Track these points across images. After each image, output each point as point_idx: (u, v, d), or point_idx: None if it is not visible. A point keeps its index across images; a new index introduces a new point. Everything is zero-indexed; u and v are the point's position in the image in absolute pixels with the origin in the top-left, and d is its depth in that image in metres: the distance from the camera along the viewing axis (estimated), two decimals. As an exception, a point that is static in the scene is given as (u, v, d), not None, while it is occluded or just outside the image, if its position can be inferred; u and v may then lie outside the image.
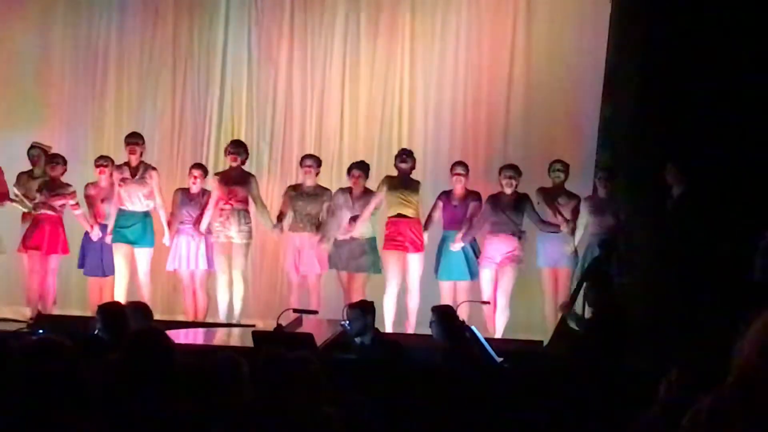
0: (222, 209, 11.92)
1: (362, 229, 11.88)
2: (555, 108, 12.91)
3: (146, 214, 12.07)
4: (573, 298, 10.32)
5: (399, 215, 11.87)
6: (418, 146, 13.15)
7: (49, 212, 11.95)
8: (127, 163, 12.12)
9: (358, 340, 8.78)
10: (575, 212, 11.69)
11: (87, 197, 12.19)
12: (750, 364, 2.54)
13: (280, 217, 12.05)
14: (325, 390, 5.06)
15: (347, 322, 8.97)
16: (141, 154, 12.14)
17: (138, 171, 12.05)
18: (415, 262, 11.83)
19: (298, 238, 12.00)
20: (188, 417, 4.78)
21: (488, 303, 11.39)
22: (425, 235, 11.88)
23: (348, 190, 12.00)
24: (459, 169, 11.86)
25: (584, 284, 10.01)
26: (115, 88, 13.82)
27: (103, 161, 12.15)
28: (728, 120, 11.36)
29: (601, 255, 10.44)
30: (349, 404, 5.49)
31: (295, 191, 12.03)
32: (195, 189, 12.08)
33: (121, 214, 12.01)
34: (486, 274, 11.69)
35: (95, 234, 11.97)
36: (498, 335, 11.39)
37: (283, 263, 12.42)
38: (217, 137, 13.58)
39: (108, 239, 11.99)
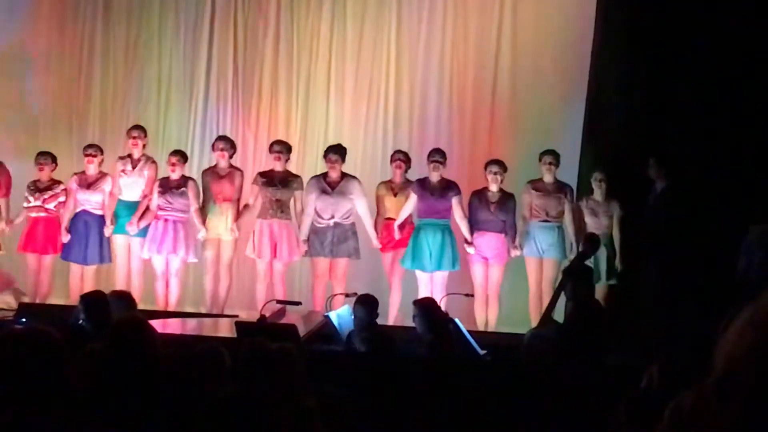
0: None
1: (344, 213, 11.80)
2: (541, 92, 12.85)
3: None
4: (551, 304, 10.30)
5: (390, 218, 11.86)
6: (403, 133, 13.19)
7: (43, 214, 11.93)
8: (129, 155, 12.15)
9: (363, 333, 8.76)
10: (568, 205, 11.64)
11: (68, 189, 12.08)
12: (733, 361, 2.54)
13: (245, 208, 12.02)
14: (306, 382, 5.06)
15: (352, 315, 8.99)
16: (144, 147, 12.18)
17: (139, 162, 12.07)
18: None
19: (267, 224, 11.87)
20: (169, 406, 4.78)
21: (472, 296, 11.35)
22: (396, 228, 11.72)
23: (323, 176, 11.89)
24: (436, 157, 11.72)
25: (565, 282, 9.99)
26: (100, 80, 13.74)
27: (92, 150, 12.09)
28: (715, 111, 11.38)
29: (586, 250, 10.44)
30: (329, 397, 5.50)
31: (264, 177, 11.94)
32: (175, 176, 12.01)
33: (121, 204, 12.03)
34: (477, 269, 11.66)
35: (109, 230, 11.95)
36: (491, 328, 11.40)
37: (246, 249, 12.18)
38: (202, 127, 13.54)
39: (107, 231, 11.94)
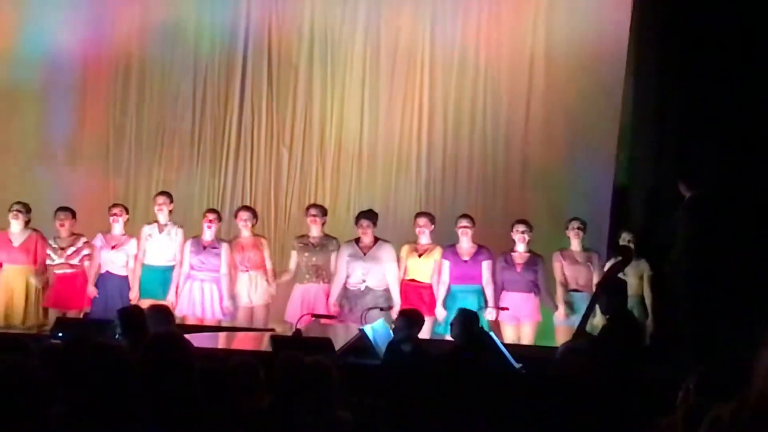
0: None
1: (376, 278, 11.67)
2: (573, 128, 12.81)
3: (169, 269, 11.93)
4: (585, 318, 10.26)
5: (413, 280, 11.74)
6: (437, 150, 13.16)
7: (69, 270, 11.80)
8: (156, 220, 12.00)
9: (403, 347, 8.77)
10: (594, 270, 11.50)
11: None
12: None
13: (284, 273, 11.96)
14: (342, 395, 5.07)
15: (391, 327, 8.98)
16: (170, 213, 12.01)
17: (165, 228, 11.94)
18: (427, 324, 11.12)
19: (305, 289, 11.80)
20: (205, 420, 4.80)
21: (507, 309, 11.31)
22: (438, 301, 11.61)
23: (356, 241, 11.77)
24: (465, 222, 11.68)
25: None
26: (136, 94, 13.78)
27: (117, 209, 11.99)
28: (754, 116, 11.32)
29: (619, 263, 10.39)
30: (364, 409, 5.51)
31: (301, 243, 11.85)
32: (209, 235, 11.87)
33: (147, 269, 11.90)
34: (508, 331, 11.55)
35: (91, 291, 11.76)
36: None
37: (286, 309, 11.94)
38: (237, 142, 13.56)
39: (132, 296, 11.75)
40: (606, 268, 11.07)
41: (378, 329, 9.43)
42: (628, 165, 12.26)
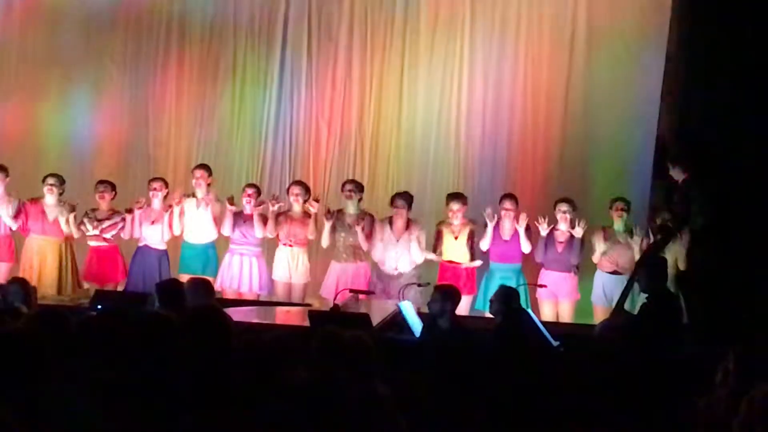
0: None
1: (408, 265, 11.68)
2: (614, 105, 12.73)
3: (208, 246, 11.98)
4: (624, 296, 10.23)
5: (451, 261, 11.74)
6: (475, 137, 13.12)
7: (102, 244, 11.84)
8: (193, 194, 11.99)
9: (440, 323, 8.77)
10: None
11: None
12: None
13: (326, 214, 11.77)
14: (380, 369, 5.08)
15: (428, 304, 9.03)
16: (208, 186, 11.96)
17: (201, 202, 11.92)
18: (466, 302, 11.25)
19: (342, 269, 11.78)
20: (244, 393, 4.82)
21: (545, 286, 11.29)
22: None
23: (389, 223, 11.72)
24: (508, 204, 11.67)
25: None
26: (176, 69, 13.81)
27: (157, 183, 11.98)
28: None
29: (659, 241, 10.35)
30: (403, 384, 5.51)
31: (338, 220, 11.74)
32: (249, 209, 11.85)
33: (187, 246, 11.94)
34: (546, 307, 11.56)
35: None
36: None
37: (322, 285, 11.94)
38: (276, 117, 13.56)
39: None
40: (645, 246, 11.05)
41: (412, 305, 9.48)
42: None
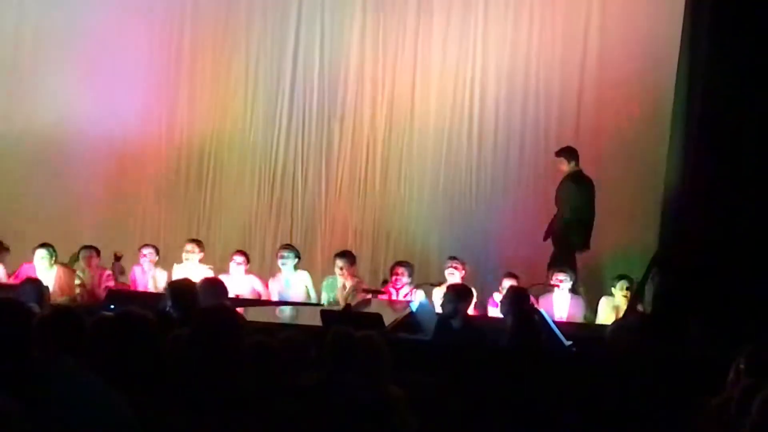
0: None
1: None
2: (628, 86, 12.71)
3: None
4: (637, 295, 10.18)
5: None
6: (488, 125, 13.10)
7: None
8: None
9: (453, 323, 8.76)
10: None
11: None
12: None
13: None
14: (392, 370, 5.08)
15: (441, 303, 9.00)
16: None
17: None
18: None
19: None
20: (255, 394, 4.82)
21: (557, 286, 11.22)
22: None
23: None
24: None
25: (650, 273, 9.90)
26: (189, 64, 13.83)
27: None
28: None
29: (669, 238, 10.30)
30: (415, 385, 5.51)
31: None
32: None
33: None
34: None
35: None
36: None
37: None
38: (288, 115, 13.57)
39: None
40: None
41: (425, 305, 9.47)
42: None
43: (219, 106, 13.63)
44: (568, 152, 11.81)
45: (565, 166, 11.74)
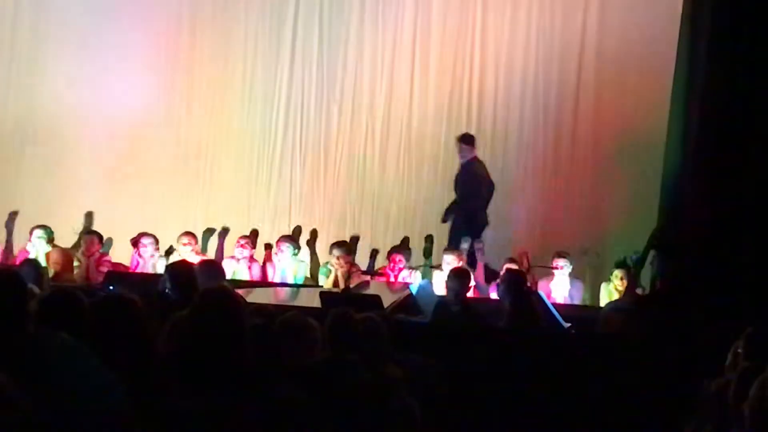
0: None
1: None
2: (626, 74, 12.72)
3: None
4: (635, 277, 10.19)
5: None
6: (487, 110, 13.10)
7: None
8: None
9: (452, 307, 8.79)
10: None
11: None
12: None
13: None
14: (392, 351, 5.09)
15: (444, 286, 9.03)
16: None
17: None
18: None
19: None
20: (256, 375, 4.83)
21: (557, 268, 11.23)
22: None
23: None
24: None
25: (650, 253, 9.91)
26: (188, 48, 13.81)
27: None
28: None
29: (668, 224, 10.31)
30: (415, 366, 5.52)
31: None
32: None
33: None
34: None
35: None
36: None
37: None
38: (287, 97, 13.57)
39: None
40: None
41: (425, 287, 9.48)
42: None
43: (218, 89, 13.61)
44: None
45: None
